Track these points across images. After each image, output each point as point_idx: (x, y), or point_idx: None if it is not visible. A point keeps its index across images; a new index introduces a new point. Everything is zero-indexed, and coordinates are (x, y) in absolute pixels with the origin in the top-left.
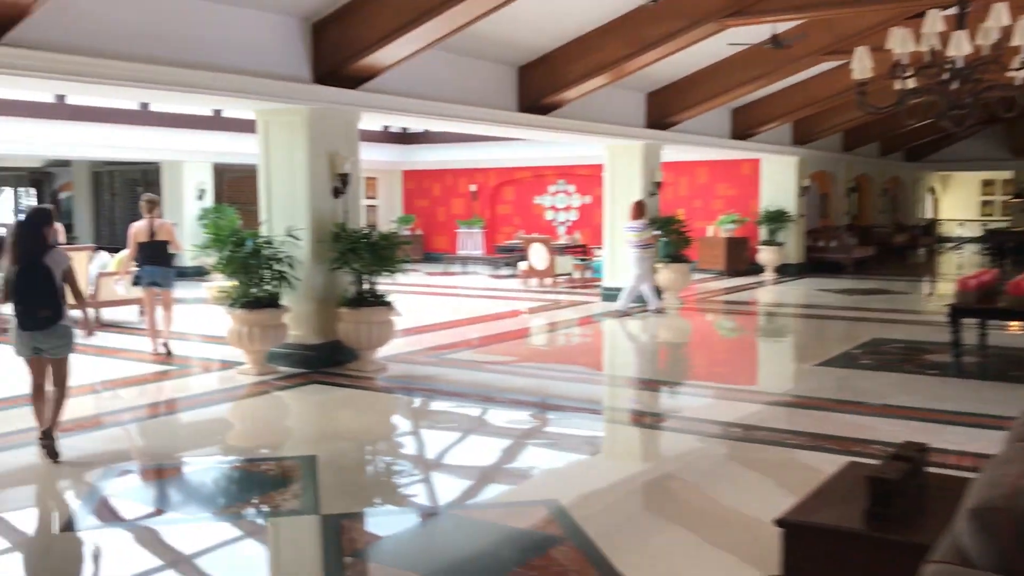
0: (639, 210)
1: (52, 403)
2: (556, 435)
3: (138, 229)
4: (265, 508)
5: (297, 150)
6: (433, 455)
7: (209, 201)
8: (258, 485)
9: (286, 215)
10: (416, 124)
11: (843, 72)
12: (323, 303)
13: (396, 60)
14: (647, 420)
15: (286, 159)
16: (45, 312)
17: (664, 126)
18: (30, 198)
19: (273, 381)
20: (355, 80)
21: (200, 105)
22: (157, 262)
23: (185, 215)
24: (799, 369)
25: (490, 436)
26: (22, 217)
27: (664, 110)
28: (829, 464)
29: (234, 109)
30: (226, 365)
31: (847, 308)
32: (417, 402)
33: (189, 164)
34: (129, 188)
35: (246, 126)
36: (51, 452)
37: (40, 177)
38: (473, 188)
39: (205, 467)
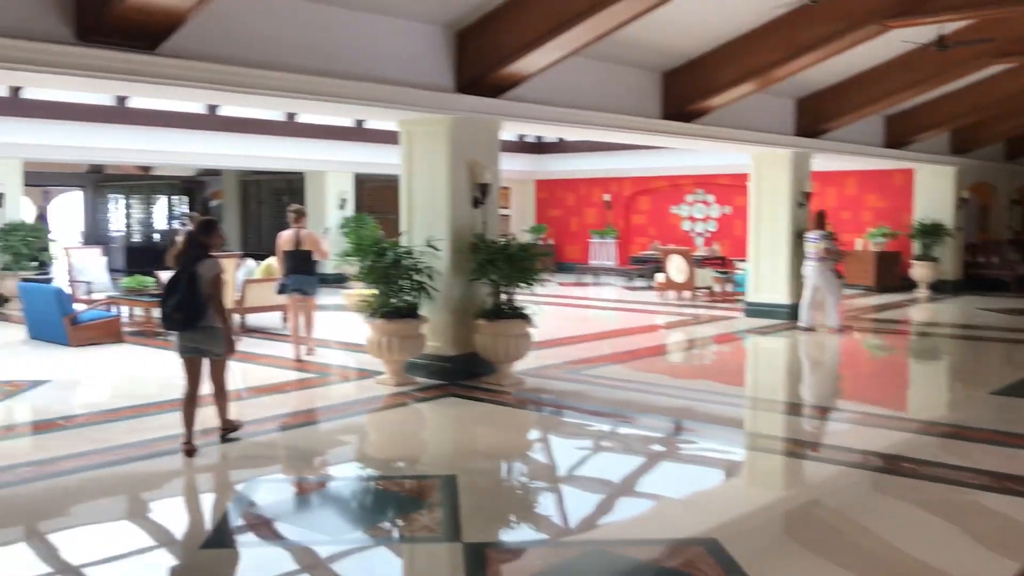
0: (820, 220)
1: (215, 399)
2: (703, 459)
3: (285, 238)
4: (403, 531)
5: (438, 160)
6: (576, 479)
7: (350, 210)
8: (396, 504)
9: (426, 225)
10: (557, 133)
11: (1012, 76)
12: (461, 314)
13: (539, 68)
14: (807, 450)
15: (427, 169)
16: (178, 315)
17: (814, 133)
18: (182, 206)
19: (411, 392)
20: (497, 89)
21: (345, 115)
22: (301, 270)
23: (322, 226)
24: (970, 396)
25: (633, 457)
26: (195, 223)
27: (815, 117)
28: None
29: (378, 119)
30: (364, 374)
31: (1013, 330)
32: (556, 420)
33: (332, 174)
34: (275, 197)
35: (386, 137)
36: (225, 438)
37: (192, 186)
38: (607, 198)
39: (343, 482)
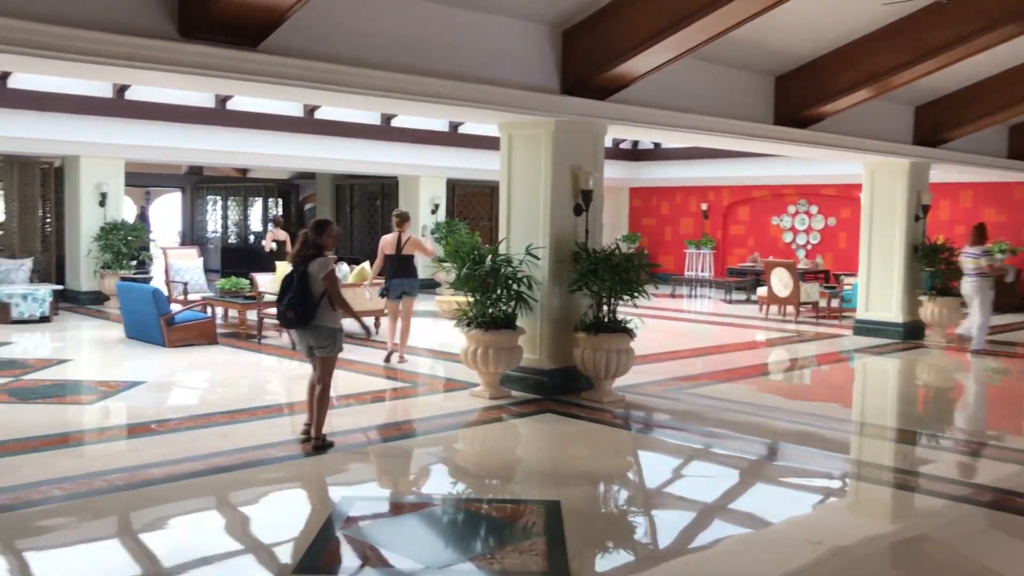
0: (980, 234)
1: (317, 403)
2: (812, 487)
3: (387, 242)
4: (507, 562)
5: (540, 165)
6: (687, 508)
7: (442, 216)
8: (497, 532)
9: (526, 233)
10: (664, 138)
11: None
12: (560, 326)
13: (648, 69)
14: (920, 481)
15: (528, 174)
16: (290, 314)
17: (934, 143)
18: (277, 209)
19: (506, 407)
20: (604, 91)
21: (444, 116)
22: (403, 274)
23: (418, 229)
24: None
25: (742, 483)
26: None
27: (935, 125)
28: None
29: (477, 121)
30: (457, 385)
31: None
32: (661, 442)
33: (425, 179)
34: (368, 201)
35: (480, 142)
36: (314, 448)
37: (287, 189)
38: (704, 207)
39: (440, 503)
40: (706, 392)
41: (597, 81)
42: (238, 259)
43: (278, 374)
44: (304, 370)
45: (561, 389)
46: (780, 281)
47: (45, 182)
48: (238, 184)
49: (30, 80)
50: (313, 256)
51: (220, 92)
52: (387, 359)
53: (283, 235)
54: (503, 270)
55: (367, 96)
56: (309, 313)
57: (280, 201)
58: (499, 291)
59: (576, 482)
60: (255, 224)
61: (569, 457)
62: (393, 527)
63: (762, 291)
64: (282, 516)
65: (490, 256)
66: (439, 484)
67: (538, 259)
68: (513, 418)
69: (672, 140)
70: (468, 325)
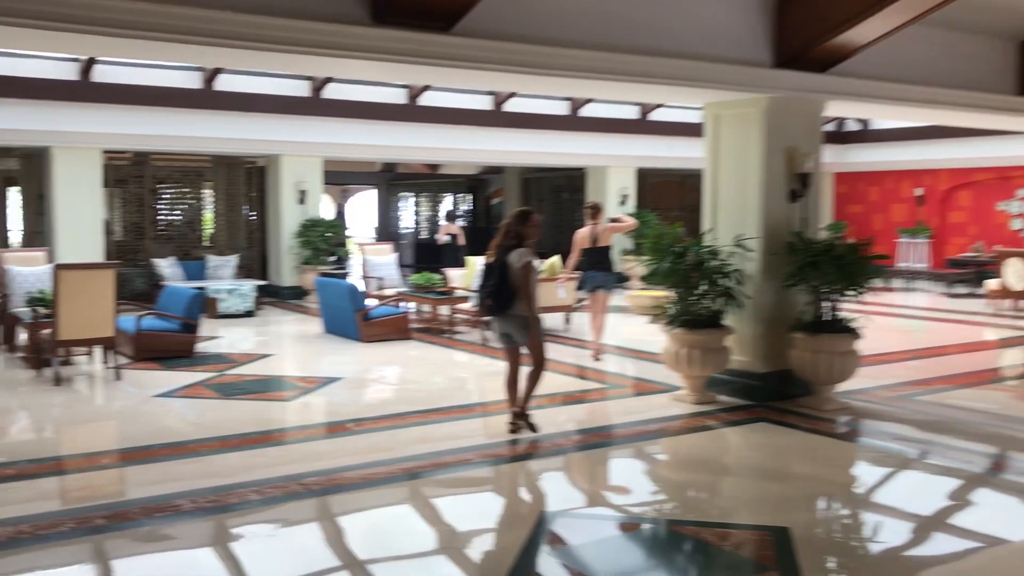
0: None
1: (526, 380)
2: None
3: (581, 235)
4: None
5: (750, 146)
6: (947, 539)
7: (631, 206)
8: (719, 562)
9: (733, 222)
10: (889, 114)
11: None
12: (773, 325)
13: (873, 38)
14: None
15: (736, 157)
16: (489, 302)
17: None
18: (466, 204)
19: (713, 413)
20: (821, 63)
21: (645, 97)
22: (600, 267)
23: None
24: None
25: (1003, 508)
26: (511, 214)
27: None
28: None
29: (680, 101)
30: (657, 387)
31: None
32: (900, 458)
33: (613, 169)
34: (554, 194)
35: (671, 129)
36: (521, 428)
37: (476, 184)
38: (919, 192)
39: (651, 524)
40: (944, 399)
41: (814, 52)
42: (429, 254)
43: (470, 371)
44: (497, 367)
45: (774, 395)
46: (1016, 273)
47: (249, 181)
48: (429, 180)
49: (234, 82)
50: (514, 246)
51: (411, 80)
52: (594, 356)
53: (456, 229)
54: (708, 263)
55: (563, 78)
56: (507, 302)
57: (470, 196)
58: (704, 286)
59: (804, 504)
60: (444, 220)
61: (791, 474)
62: (603, 550)
63: (993, 284)
64: (482, 528)
65: (694, 248)
66: (647, 500)
67: (749, 251)
68: (722, 426)
69: (899, 116)
70: (670, 323)
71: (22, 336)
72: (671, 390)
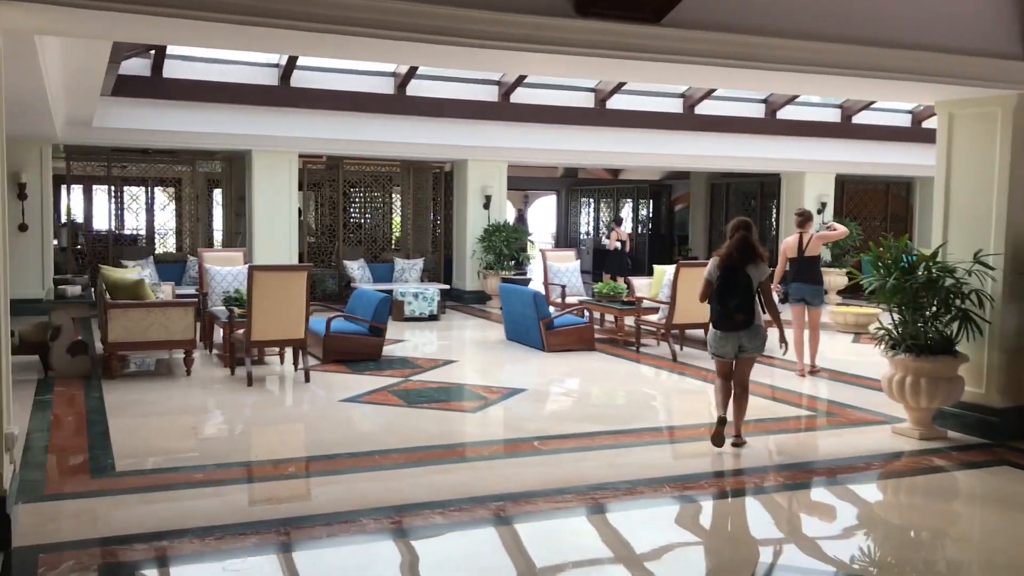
0: None
1: (736, 404)
2: None
3: (788, 244)
4: None
5: (993, 149)
6: None
7: (828, 215)
8: None
9: (969, 235)
10: None
11: None
12: (1017, 355)
13: None
14: None
15: (975, 162)
16: (741, 316)
17: None
18: (647, 210)
19: (943, 452)
20: None
21: (864, 93)
22: (806, 278)
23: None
24: None
25: None
26: (734, 224)
27: None
28: None
29: (909, 98)
30: (868, 417)
31: None
32: None
33: (811, 175)
34: (743, 200)
35: (874, 132)
36: (741, 443)
37: (658, 190)
38: None
39: None
40: None
41: None
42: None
43: (658, 387)
44: (686, 383)
45: (1016, 434)
46: None
47: (436, 185)
48: (610, 186)
49: (425, 87)
50: (752, 258)
51: (609, 76)
52: (801, 374)
53: (625, 235)
54: (942, 282)
55: (776, 71)
56: (754, 314)
57: (651, 203)
58: (936, 307)
59: None
60: (626, 226)
61: None
62: None
63: None
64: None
65: (924, 264)
66: (879, 560)
67: (990, 268)
68: (955, 468)
69: None
70: (894, 348)
71: (218, 333)
72: (890, 421)
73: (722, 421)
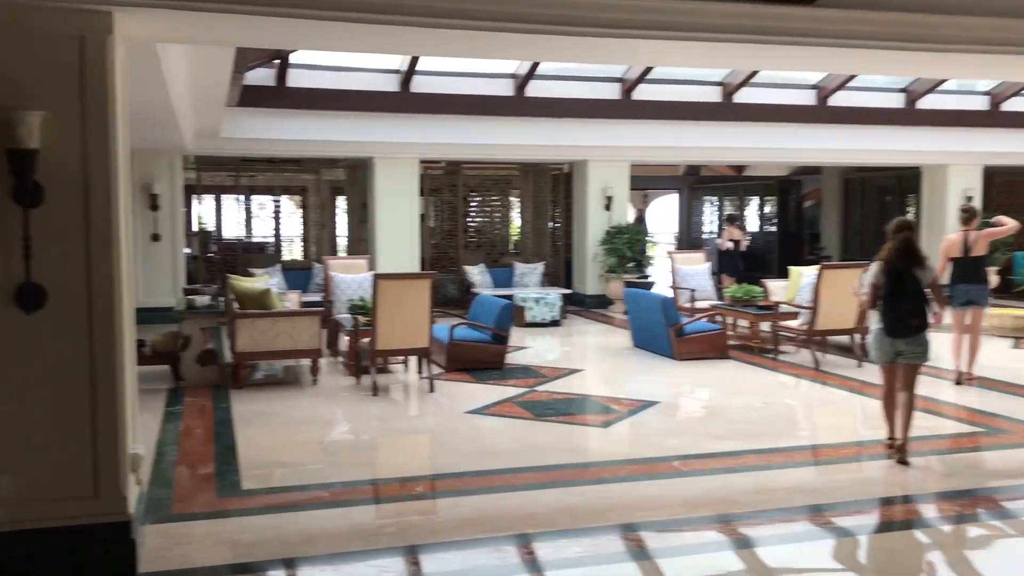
0: None
1: (903, 409)
2: None
3: (951, 243)
4: None
5: None
6: None
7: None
8: None
9: None
10: None
11: None
12: None
13: None
14: None
15: None
16: (915, 321)
17: None
18: (773, 207)
19: None
20: None
21: None
22: (972, 279)
23: (948, 226)
24: None
25: None
26: (896, 225)
27: None
28: None
29: None
30: None
31: None
32: None
33: (954, 168)
34: (878, 196)
35: None
36: (901, 460)
37: (786, 186)
38: None
39: None
40: None
41: None
42: (719, 262)
43: (799, 398)
44: (829, 394)
45: None
46: None
47: (555, 188)
48: (734, 183)
49: (544, 88)
50: (916, 261)
51: (749, 63)
52: (957, 381)
53: (739, 233)
54: None
55: (939, 52)
56: (927, 320)
57: (776, 199)
58: None
59: None
60: (751, 224)
61: None
62: None
63: None
64: None
65: None
66: None
67: None
68: None
69: None
70: None
71: (344, 341)
72: None
73: (894, 440)
